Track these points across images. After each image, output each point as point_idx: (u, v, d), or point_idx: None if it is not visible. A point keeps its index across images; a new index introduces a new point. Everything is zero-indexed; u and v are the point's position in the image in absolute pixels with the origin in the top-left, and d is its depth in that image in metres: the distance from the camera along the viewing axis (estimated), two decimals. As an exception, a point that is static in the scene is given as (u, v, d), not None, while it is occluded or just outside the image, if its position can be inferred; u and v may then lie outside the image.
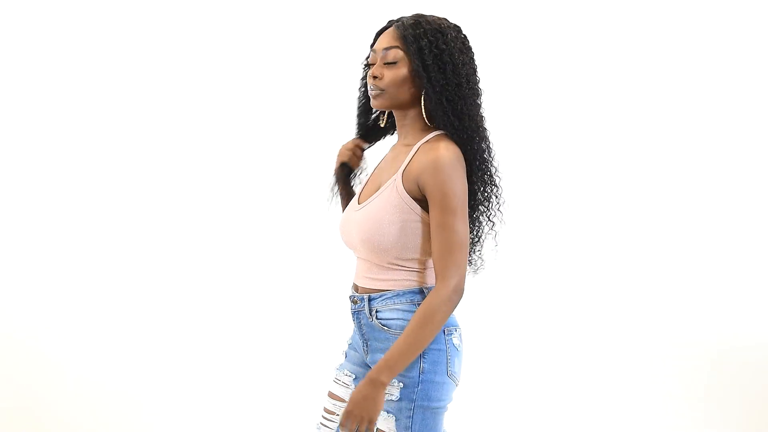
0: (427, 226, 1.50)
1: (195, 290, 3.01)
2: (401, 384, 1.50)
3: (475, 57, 1.53)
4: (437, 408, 1.52)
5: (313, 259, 2.99)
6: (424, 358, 1.49)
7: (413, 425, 1.50)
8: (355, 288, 1.62)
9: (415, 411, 1.50)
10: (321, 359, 2.98)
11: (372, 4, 2.89)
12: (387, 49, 1.51)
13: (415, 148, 1.51)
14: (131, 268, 2.99)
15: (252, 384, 3.01)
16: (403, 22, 1.51)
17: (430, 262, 1.54)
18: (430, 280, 1.54)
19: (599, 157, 3.10)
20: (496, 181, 1.58)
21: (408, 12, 1.56)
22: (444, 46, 1.47)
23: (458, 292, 1.45)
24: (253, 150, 3.02)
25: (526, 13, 3.07)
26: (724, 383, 3.07)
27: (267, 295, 3.05)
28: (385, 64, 1.51)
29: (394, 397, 1.50)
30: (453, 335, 1.54)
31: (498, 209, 1.60)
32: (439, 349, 1.51)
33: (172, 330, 3.00)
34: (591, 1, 3.09)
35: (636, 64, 3.08)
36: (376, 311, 1.55)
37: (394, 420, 1.51)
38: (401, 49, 1.49)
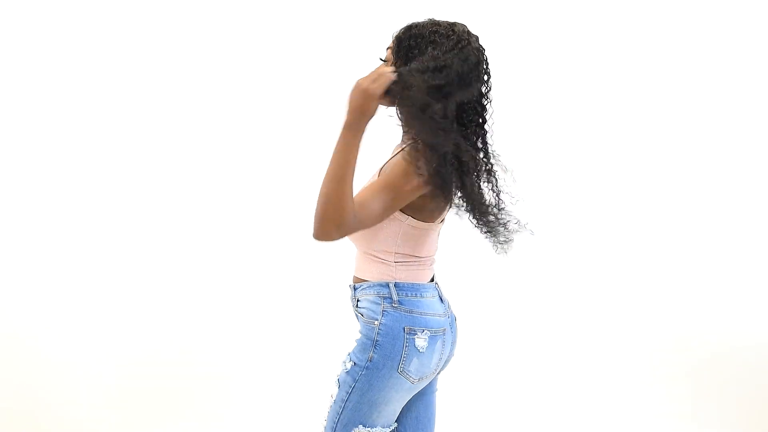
0: (394, 221, 1.56)
1: (195, 289, 3.01)
2: (353, 362, 1.58)
3: (466, 65, 1.47)
4: (376, 398, 1.57)
5: (317, 255, 2.98)
6: (375, 348, 1.56)
7: (347, 404, 1.58)
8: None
9: (353, 391, 1.57)
10: (323, 355, 2.97)
11: (372, 5, 2.90)
12: (388, 48, 1.57)
13: (399, 148, 1.59)
14: (131, 268, 2.99)
15: (253, 382, 3.01)
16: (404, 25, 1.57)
17: (401, 257, 1.60)
18: (400, 275, 1.60)
19: (598, 157, 3.10)
20: (482, 196, 1.56)
21: (410, 12, 1.59)
22: (416, 51, 1.49)
23: (337, 223, 1.41)
24: (252, 149, 3.02)
25: (527, 12, 3.08)
26: (724, 383, 3.06)
27: (268, 292, 3.05)
28: (381, 60, 1.59)
29: (345, 369, 1.59)
30: (416, 336, 1.56)
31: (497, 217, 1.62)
32: (394, 345, 1.56)
33: (172, 329, 3.00)
34: (591, 1, 3.10)
35: (635, 64, 3.08)
36: (357, 300, 1.65)
37: (337, 389, 1.60)
38: (392, 50, 1.55)
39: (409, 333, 1.56)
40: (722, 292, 3.09)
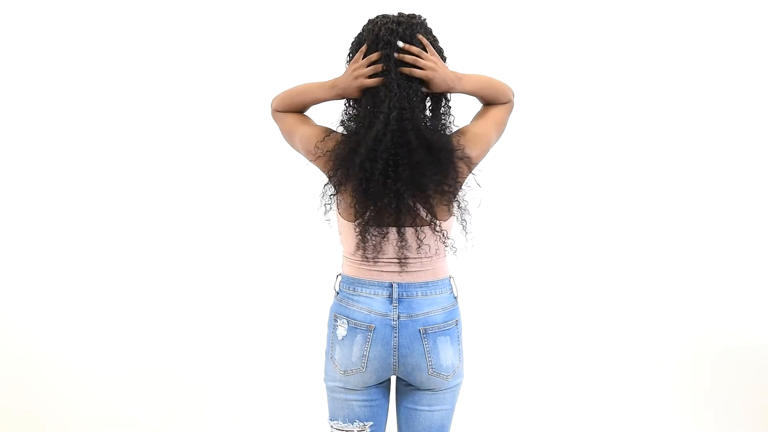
0: (337, 219, 1.66)
1: (194, 289, 3.01)
2: None
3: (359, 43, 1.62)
4: (327, 386, 1.69)
5: (318, 257, 2.98)
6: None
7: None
8: None
9: None
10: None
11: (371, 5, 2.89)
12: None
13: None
14: (130, 269, 2.99)
15: (252, 382, 3.01)
16: None
17: (350, 255, 1.66)
18: (343, 268, 1.69)
19: (600, 156, 3.09)
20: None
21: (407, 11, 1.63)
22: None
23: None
24: (252, 149, 3.02)
25: (523, 10, 3.07)
26: (725, 383, 3.05)
27: (266, 293, 3.05)
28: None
29: None
30: (338, 323, 1.65)
31: None
32: (328, 331, 1.69)
33: (171, 328, 3.00)
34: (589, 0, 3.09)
35: (635, 63, 3.06)
36: None
37: None
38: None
39: (334, 320, 1.66)
40: (723, 293, 3.08)
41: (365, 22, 1.65)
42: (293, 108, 1.73)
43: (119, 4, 2.95)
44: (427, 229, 1.60)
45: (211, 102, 3.00)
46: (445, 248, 1.67)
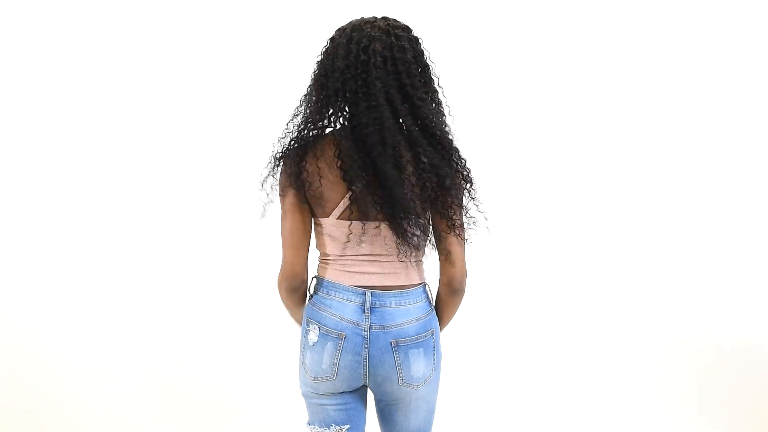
0: (314, 227, 1.63)
1: (194, 288, 3.01)
2: None
3: (326, 57, 1.56)
4: (302, 392, 1.67)
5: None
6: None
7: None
8: None
9: None
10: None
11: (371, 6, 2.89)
12: None
13: None
14: (129, 268, 2.99)
15: (252, 382, 3.01)
16: None
17: (321, 254, 1.64)
18: (319, 271, 1.65)
19: (599, 156, 3.08)
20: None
21: (408, 12, 1.59)
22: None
23: (281, 280, 1.62)
24: (251, 149, 3.01)
25: (522, 10, 3.06)
26: (724, 383, 3.05)
27: (266, 293, 3.04)
28: None
29: None
30: (309, 328, 1.61)
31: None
32: (301, 335, 1.66)
33: (171, 328, 3.00)
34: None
35: (635, 61, 3.05)
36: None
37: None
38: None
39: (306, 324, 1.62)
40: (723, 293, 3.07)
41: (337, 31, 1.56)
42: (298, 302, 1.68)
43: (119, 4, 2.95)
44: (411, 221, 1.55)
45: (209, 102, 3.00)
46: (423, 253, 1.63)
